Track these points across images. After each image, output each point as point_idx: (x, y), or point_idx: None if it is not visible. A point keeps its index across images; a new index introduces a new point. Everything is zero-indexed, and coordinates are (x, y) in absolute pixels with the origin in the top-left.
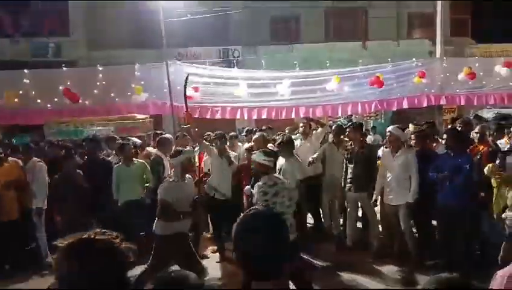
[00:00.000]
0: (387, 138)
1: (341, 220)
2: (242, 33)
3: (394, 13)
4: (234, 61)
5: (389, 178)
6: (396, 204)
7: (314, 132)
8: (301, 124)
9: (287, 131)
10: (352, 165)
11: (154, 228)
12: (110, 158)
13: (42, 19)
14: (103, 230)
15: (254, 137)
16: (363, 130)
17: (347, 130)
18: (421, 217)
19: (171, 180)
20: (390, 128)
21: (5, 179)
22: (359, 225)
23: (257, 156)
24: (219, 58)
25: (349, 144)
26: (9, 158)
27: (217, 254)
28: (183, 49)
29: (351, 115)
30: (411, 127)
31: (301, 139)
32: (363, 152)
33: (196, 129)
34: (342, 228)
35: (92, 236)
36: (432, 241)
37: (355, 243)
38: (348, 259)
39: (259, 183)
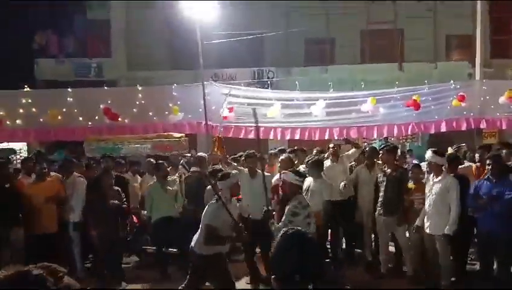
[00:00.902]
0: (426, 166)
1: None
2: (276, 55)
3: (431, 34)
4: (268, 82)
5: (427, 204)
6: (434, 233)
7: (345, 153)
8: (331, 146)
9: (314, 152)
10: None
11: (194, 246)
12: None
13: (85, 40)
14: (48, 264)
15: (280, 158)
16: (397, 152)
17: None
18: (457, 245)
19: (218, 203)
20: (428, 156)
21: (47, 194)
22: (392, 249)
23: (288, 176)
24: (254, 79)
25: (384, 166)
26: (52, 173)
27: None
28: (219, 70)
29: (387, 137)
30: (450, 150)
31: (331, 161)
32: (395, 175)
33: (223, 153)
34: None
35: (31, 270)
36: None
37: (388, 268)
38: (381, 285)
39: (293, 203)
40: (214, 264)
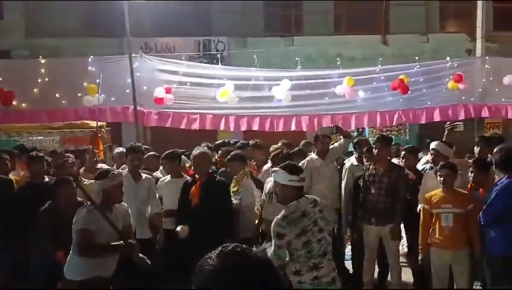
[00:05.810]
0: (430, 156)
1: None
2: (228, 21)
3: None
4: (218, 56)
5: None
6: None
7: (331, 146)
8: (320, 135)
9: (279, 144)
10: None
11: (65, 270)
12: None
13: None
14: None
15: (193, 153)
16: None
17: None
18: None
19: (89, 206)
20: (435, 144)
21: None
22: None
23: (280, 176)
24: (198, 51)
25: (368, 163)
26: None
27: None
28: (152, 39)
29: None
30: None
31: (317, 157)
32: (390, 176)
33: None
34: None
35: None
36: None
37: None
38: None
39: (277, 218)
40: None
